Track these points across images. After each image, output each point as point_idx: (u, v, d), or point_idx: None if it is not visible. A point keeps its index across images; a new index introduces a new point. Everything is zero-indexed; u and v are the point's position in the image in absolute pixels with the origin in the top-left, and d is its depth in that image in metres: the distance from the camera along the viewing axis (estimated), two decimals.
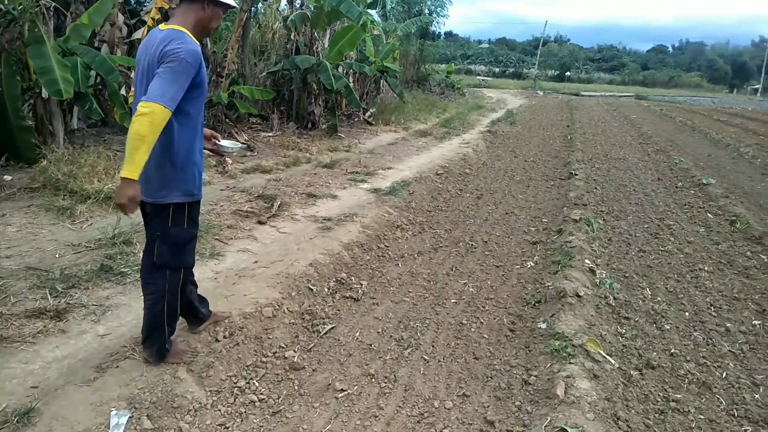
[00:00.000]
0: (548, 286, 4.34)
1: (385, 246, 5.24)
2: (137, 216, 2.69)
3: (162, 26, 2.49)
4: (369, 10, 14.72)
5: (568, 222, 6.08)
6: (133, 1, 9.92)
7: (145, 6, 9.17)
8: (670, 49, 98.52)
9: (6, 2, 5.23)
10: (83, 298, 3.35)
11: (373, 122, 13.12)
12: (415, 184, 7.35)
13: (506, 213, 6.78)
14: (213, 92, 8.51)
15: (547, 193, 8.03)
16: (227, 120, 9.09)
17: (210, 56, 8.76)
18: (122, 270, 3.75)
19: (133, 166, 2.19)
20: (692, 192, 8.40)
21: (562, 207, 6.98)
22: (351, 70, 12.59)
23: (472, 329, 3.73)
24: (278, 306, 3.59)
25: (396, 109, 14.58)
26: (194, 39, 2.44)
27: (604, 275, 4.66)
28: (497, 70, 61.40)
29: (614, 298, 4.28)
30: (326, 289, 4.09)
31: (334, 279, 4.26)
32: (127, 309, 3.29)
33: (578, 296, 3.97)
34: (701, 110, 29.11)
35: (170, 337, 2.82)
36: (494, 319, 3.92)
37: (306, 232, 5.04)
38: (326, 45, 11.35)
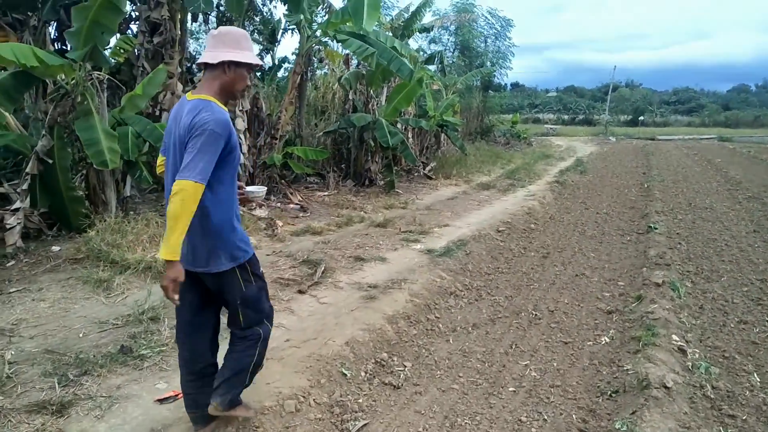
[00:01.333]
0: (627, 370, 3.63)
1: (435, 317, 4.71)
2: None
3: (189, 95, 2.40)
4: (427, 66, 14.71)
5: (649, 286, 5.30)
6: (195, 70, 10.35)
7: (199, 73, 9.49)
8: (753, 88, 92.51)
9: (62, 77, 5.39)
10: (93, 387, 3.07)
11: (433, 176, 12.78)
12: (473, 243, 6.81)
13: (576, 275, 6.06)
14: (267, 154, 8.51)
15: (623, 250, 7.21)
16: (282, 181, 9.03)
17: (265, 119, 8.83)
18: (142, 352, 3.48)
19: (168, 248, 2.15)
20: None
21: (641, 267, 6.17)
22: (409, 126, 12.44)
23: (533, 429, 3.10)
24: (304, 397, 3.14)
25: (457, 162, 14.23)
26: (221, 106, 2.35)
27: (697, 356, 3.87)
28: (566, 117, 59.96)
29: (713, 388, 3.49)
30: (363, 374, 3.59)
31: (372, 360, 3.76)
32: (136, 402, 2.96)
33: (666, 387, 3.25)
34: None
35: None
36: (560, 415, 3.25)
37: (348, 302, 4.63)
38: (383, 102, 11.30)
